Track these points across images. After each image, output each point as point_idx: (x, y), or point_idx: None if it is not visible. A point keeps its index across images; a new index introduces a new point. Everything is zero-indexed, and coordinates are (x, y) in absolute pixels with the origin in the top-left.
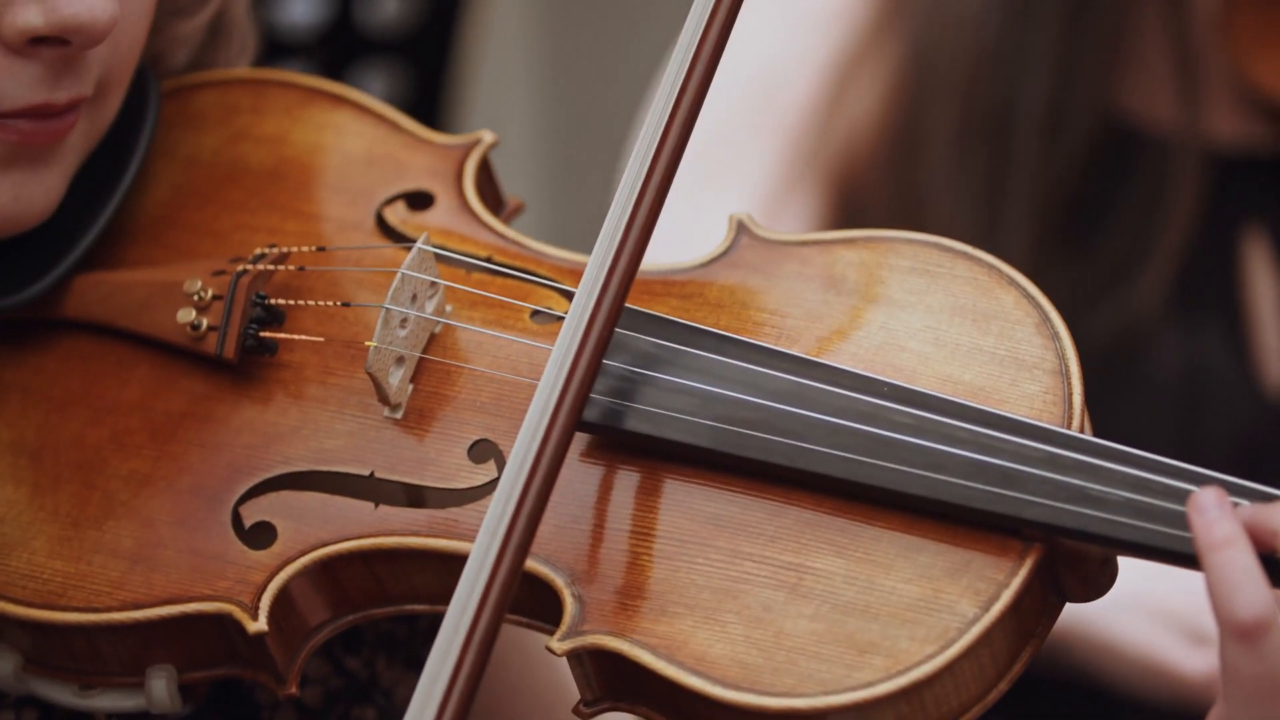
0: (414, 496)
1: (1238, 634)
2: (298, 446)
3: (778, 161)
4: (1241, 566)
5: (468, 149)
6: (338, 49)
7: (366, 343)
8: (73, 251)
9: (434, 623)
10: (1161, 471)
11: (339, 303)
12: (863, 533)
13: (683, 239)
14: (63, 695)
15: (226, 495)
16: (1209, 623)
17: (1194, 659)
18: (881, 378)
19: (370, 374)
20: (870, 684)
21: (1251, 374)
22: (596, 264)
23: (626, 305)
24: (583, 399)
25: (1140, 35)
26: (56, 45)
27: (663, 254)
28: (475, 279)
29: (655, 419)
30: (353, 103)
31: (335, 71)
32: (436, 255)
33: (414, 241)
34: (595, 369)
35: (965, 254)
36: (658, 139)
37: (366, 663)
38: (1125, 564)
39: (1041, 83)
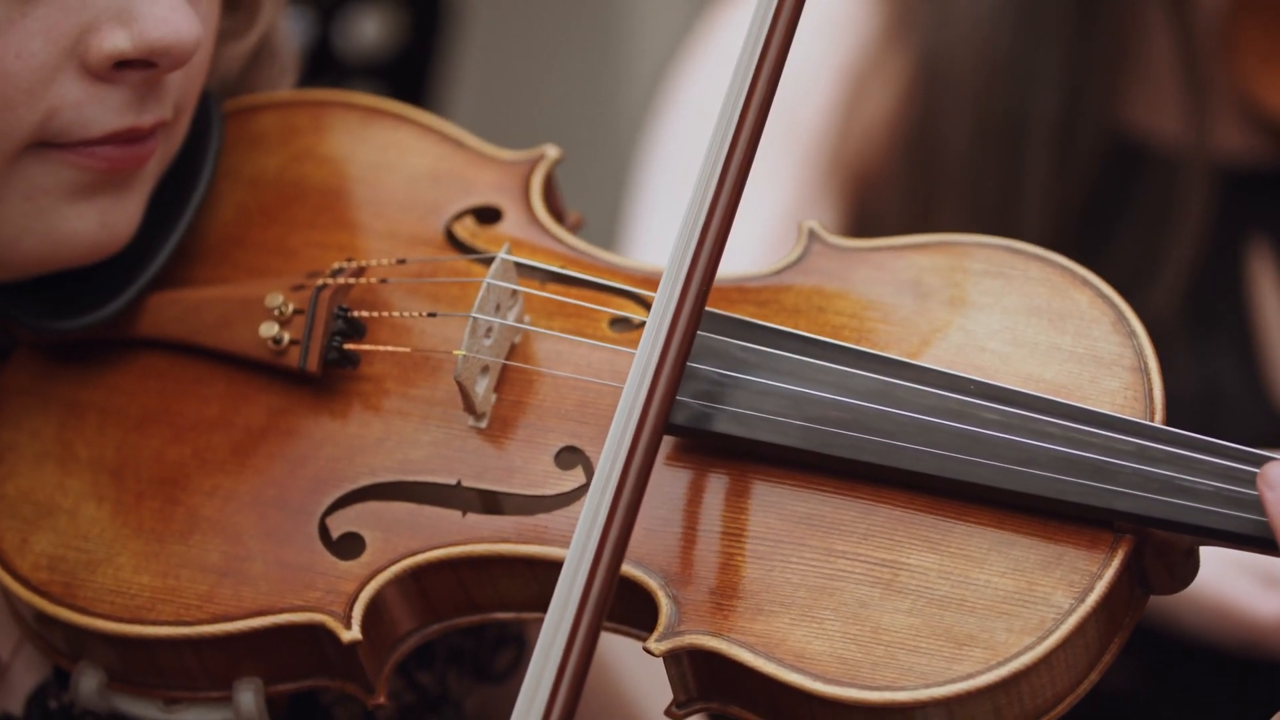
0: (502, 504)
1: None
2: (383, 458)
3: (801, 170)
4: None
5: (533, 164)
6: (316, 73)
7: (455, 351)
8: (146, 271)
9: (501, 633)
10: (1249, 461)
11: (425, 313)
12: (955, 528)
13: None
14: (147, 711)
15: (313, 507)
16: None
17: (1268, 601)
18: (968, 375)
19: (459, 382)
20: (971, 675)
21: (1263, 389)
22: (676, 264)
23: (709, 309)
24: (670, 399)
25: (1147, 50)
26: (141, 69)
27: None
28: (551, 289)
29: (746, 420)
30: (414, 121)
31: None
32: (515, 266)
33: (487, 254)
34: (681, 369)
35: (1038, 256)
36: (729, 138)
37: (438, 677)
38: None
39: (1051, 96)
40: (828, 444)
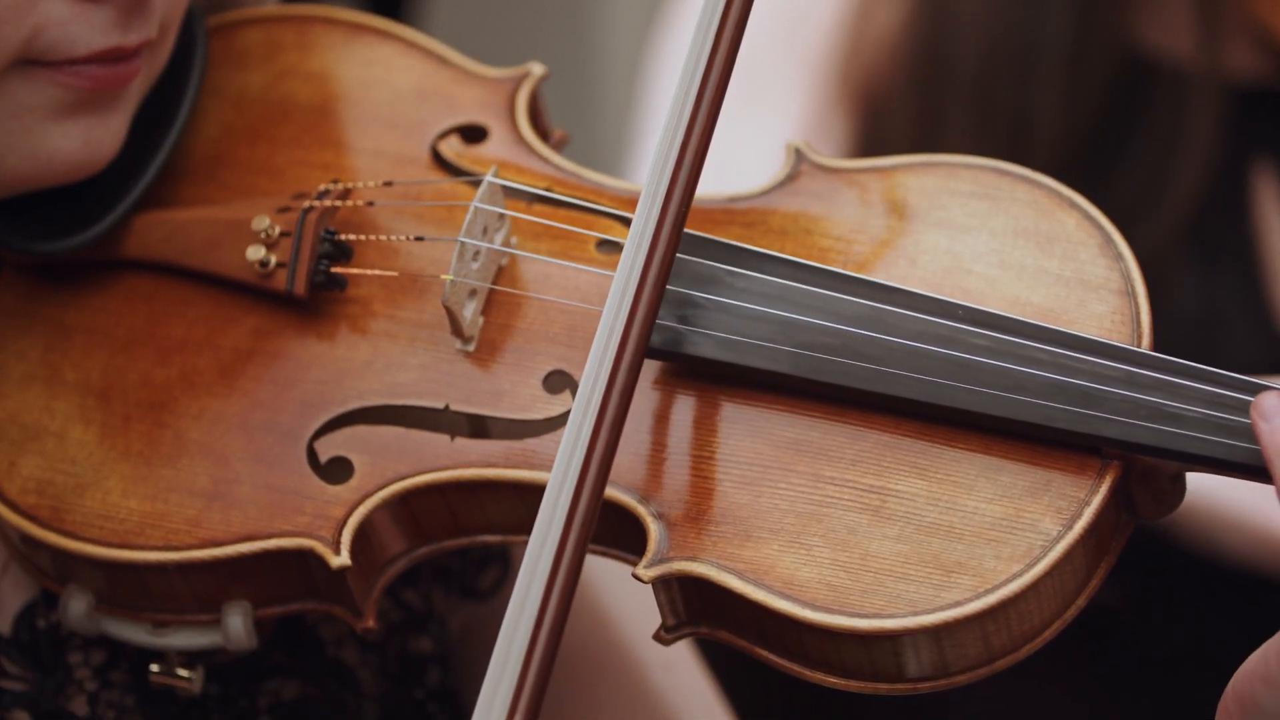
0: (490, 428)
1: None
2: (370, 381)
3: (811, 89)
4: None
5: (518, 81)
6: None
7: (442, 276)
8: (132, 192)
9: (486, 551)
10: (1237, 387)
11: (412, 237)
12: (943, 454)
13: (729, 172)
14: (136, 634)
15: (301, 431)
16: None
17: None
18: (955, 300)
19: (446, 307)
20: (959, 603)
21: (1266, 313)
22: (653, 183)
23: (697, 233)
24: (650, 320)
25: None
26: None
27: (710, 187)
28: (537, 210)
29: (734, 346)
30: (398, 38)
31: None
32: (502, 188)
33: (472, 175)
34: (660, 290)
35: (1025, 177)
36: (707, 53)
37: (423, 595)
38: None
39: (1062, 15)
40: (817, 370)
